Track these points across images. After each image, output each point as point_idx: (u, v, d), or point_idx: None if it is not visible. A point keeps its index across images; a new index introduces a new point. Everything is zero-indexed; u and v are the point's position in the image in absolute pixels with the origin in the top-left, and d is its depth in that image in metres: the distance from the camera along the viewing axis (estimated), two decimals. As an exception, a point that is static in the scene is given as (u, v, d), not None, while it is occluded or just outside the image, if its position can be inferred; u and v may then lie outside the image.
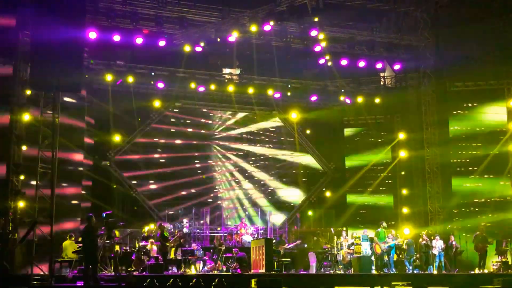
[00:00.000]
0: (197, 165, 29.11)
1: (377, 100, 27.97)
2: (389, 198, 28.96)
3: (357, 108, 28.59)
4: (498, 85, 26.43)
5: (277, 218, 28.79)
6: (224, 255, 21.44)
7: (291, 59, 26.08)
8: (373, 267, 21.34)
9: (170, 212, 27.23)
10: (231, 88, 26.59)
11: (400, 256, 22.80)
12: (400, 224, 26.40)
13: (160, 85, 25.63)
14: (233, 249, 21.89)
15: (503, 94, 26.35)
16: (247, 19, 23.80)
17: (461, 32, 25.21)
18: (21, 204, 18.49)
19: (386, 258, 21.69)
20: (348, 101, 28.08)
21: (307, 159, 30.64)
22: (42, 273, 16.64)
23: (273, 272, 19.49)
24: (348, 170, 30.09)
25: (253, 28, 23.60)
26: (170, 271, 19.67)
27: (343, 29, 25.55)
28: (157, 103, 26.84)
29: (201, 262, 20.77)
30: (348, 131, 30.38)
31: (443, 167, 26.15)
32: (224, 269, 20.76)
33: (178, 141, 28.74)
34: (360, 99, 27.77)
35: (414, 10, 25.49)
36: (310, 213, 29.71)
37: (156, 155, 28.32)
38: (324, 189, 30.42)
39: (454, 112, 27.00)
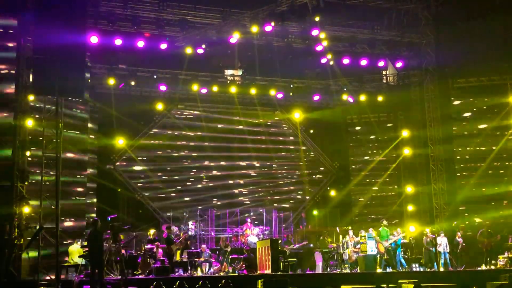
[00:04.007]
0: (201, 167, 29.07)
1: (380, 98, 27.96)
2: (394, 196, 28.92)
3: (360, 107, 28.58)
4: (501, 80, 26.42)
5: (282, 218, 28.71)
6: (230, 256, 21.44)
7: (293, 59, 26.10)
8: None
9: (175, 215, 27.20)
10: (233, 89, 26.64)
11: (407, 253, 22.84)
12: (405, 221, 26.34)
13: (163, 87, 25.69)
14: (245, 247, 21.90)
15: (506, 90, 26.33)
16: (248, 20, 23.81)
17: (463, 29, 25.18)
18: (26, 209, 18.51)
19: (386, 256, 21.66)
20: (350, 99, 28.07)
21: (311, 159, 30.61)
22: (48, 278, 16.66)
23: (279, 273, 19.47)
24: (352, 168, 30.10)
25: (254, 28, 23.63)
26: (176, 274, 19.66)
27: (344, 28, 25.54)
28: (160, 106, 26.87)
29: (207, 263, 20.76)
30: (351, 130, 30.34)
31: (448, 163, 26.09)
32: (230, 271, 20.75)
33: (181, 143, 28.72)
34: (363, 98, 27.77)
35: (415, 8, 25.44)
36: (315, 212, 29.68)
37: (160, 158, 28.31)
38: (328, 188, 30.38)
39: (457, 109, 26.96)
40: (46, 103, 19.48)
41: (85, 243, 17.37)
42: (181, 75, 25.76)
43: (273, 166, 30.37)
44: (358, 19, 25.67)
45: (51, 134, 18.21)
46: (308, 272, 21.73)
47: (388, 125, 29.72)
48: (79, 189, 22.96)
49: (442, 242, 22.06)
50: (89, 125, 24.39)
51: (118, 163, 27.02)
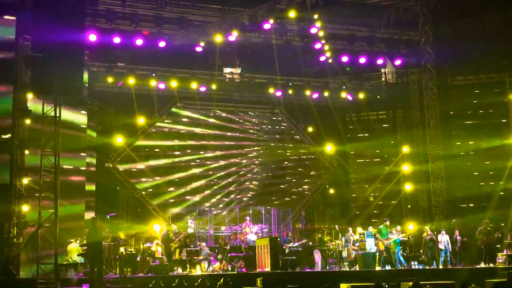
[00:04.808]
0: (200, 164, 29.06)
1: (379, 96, 27.95)
2: (393, 193, 28.90)
3: (359, 105, 28.58)
4: (499, 78, 26.45)
5: (281, 216, 28.72)
6: (229, 255, 21.44)
7: (291, 57, 26.09)
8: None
9: (174, 213, 27.23)
10: (232, 88, 26.60)
11: (406, 251, 22.87)
12: (404, 219, 26.34)
13: (161, 85, 25.66)
14: (243, 246, 21.89)
15: (504, 87, 26.36)
16: (246, 17, 23.77)
17: (462, 26, 25.22)
18: (25, 208, 18.46)
19: (385, 254, 21.66)
20: (349, 97, 28.07)
21: (310, 157, 30.62)
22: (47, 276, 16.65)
23: (279, 271, 19.47)
24: (351, 166, 30.11)
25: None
26: (175, 272, 19.67)
27: (343, 25, 25.54)
28: (158, 104, 26.83)
29: (207, 262, 20.76)
30: (350, 128, 30.34)
31: (447, 161, 26.10)
32: (230, 269, 20.75)
33: (180, 141, 28.70)
34: (361, 96, 27.77)
35: (414, 5, 25.46)
36: (314, 210, 29.68)
37: (159, 156, 28.27)
38: (327, 186, 30.39)
39: (456, 106, 26.98)
40: (45, 101, 19.38)
41: (84, 241, 17.34)
42: (179, 73, 25.76)
43: (272, 163, 30.35)
44: (357, 17, 25.63)
45: (50, 132, 18.14)
46: (307, 270, 21.73)
47: (387, 123, 29.71)
48: (78, 188, 22.85)
49: (443, 240, 22.09)
50: (88, 123, 24.33)
51: (116, 161, 26.98)
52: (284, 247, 22.00)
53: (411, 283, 15.44)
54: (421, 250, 22.70)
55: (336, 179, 30.21)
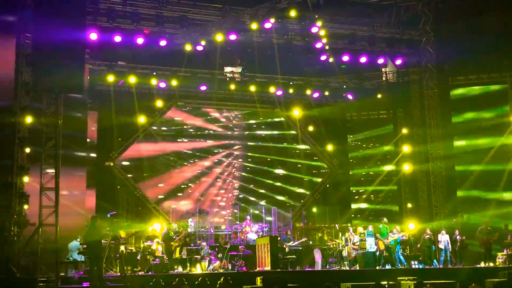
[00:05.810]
0: (200, 164, 29.08)
1: (380, 96, 27.95)
2: (393, 193, 28.91)
3: (359, 104, 28.56)
4: (500, 78, 26.44)
5: (281, 215, 28.72)
6: (230, 253, 21.45)
7: (292, 56, 26.10)
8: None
9: (174, 212, 27.23)
10: (233, 87, 26.66)
11: (406, 251, 22.88)
12: (404, 219, 26.34)
13: (162, 84, 25.68)
14: (240, 247, 21.90)
15: (505, 87, 26.36)
16: (247, 17, 23.76)
17: (462, 26, 25.19)
18: (25, 206, 18.46)
19: (386, 253, 21.66)
20: (350, 97, 28.07)
21: (310, 156, 30.61)
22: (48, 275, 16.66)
23: (279, 270, 19.47)
24: (352, 165, 30.11)
25: (254, 26, 23.57)
26: (175, 271, 19.68)
27: (344, 25, 25.50)
28: (159, 103, 26.86)
29: (207, 261, 20.77)
30: (351, 127, 30.33)
31: (447, 160, 26.09)
32: (230, 267, 20.75)
33: (181, 140, 28.71)
34: (362, 95, 27.75)
35: (415, 5, 25.42)
36: (314, 209, 29.69)
37: (159, 155, 28.28)
38: (327, 185, 30.38)
39: (457, 105, 26.98)
40: (46, 99, 19.40)
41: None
42: (180, 72, 25.76)
43: (272, 163, 30.35)
44: (358, 16, 25.62)
45: (51, 131, 18.15)
46: (307, 269, 21.74)
47: (388, 122, 29.69)
48: (78, 186, 22.85)
49: (443, 240, 22.10)
50: (88, 122, 24.34)
51: (117, 160, 26.98)
52: (284, 246, 22.00)
53: (412, 283, 15.47)
54: (418, 245, 22.72)
55: (337, 178, 30.22)
